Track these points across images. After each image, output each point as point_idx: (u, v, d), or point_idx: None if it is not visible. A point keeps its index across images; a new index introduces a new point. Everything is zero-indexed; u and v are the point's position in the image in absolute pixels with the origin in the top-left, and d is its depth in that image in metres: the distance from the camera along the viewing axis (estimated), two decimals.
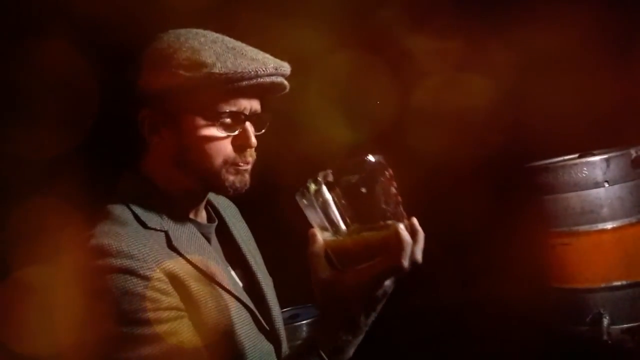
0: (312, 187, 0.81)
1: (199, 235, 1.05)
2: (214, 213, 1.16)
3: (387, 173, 0.82)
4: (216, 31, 1.04)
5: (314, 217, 0.83)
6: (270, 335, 1.08)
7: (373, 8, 2.46)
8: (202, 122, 0.98)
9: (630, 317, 2.05)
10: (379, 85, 2.62)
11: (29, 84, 1.67)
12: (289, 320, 2.25)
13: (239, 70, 0.95)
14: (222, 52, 0.96)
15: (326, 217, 0.81)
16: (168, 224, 0.99)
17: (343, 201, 0.80)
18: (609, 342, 2.01)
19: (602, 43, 2.28)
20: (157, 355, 0.87)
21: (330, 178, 0.80)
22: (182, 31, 1.01)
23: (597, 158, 2.05)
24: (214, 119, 0.98)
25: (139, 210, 0.98)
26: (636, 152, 2.03)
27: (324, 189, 0.80)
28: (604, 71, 2.29)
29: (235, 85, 0.95)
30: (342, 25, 2.31)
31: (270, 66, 0.98)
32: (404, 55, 2.59)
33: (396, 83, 2.60)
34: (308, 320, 2.35)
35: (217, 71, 0.94)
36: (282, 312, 1.21)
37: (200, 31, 1.01)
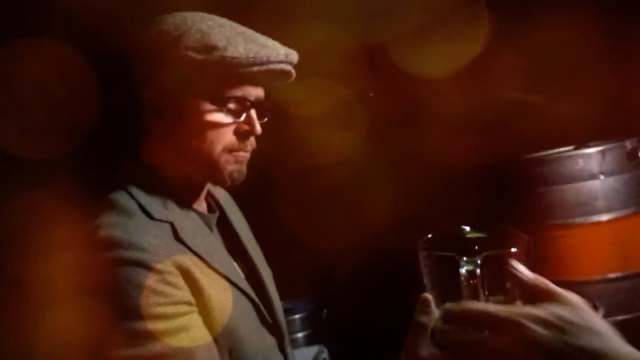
0: (467, 267, 0.71)
1: (203, 226, 1.03)
2: (214, 204, 1.14)
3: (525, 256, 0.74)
4: None
5: (443, 291, 0.74)
6: (273, 328, 1.06)
7: (376, 9, 2.45)
8: (208, 106, 0.96)
9: (625, 309, 2.05)
10: (376, 87, 2.61)
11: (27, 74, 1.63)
12: None
13: (251, 55, 0.93)
14: (232, 36, 0.95)
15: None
16: (173, 215, 0.97)
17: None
18: None
19: (599, 37, 2.27)
20: (169, 351, 0.85)
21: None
22: (188, 14, 0.99)
23: (592, 150, 2.04)
24: (221, 103, 0.97)
25: (143, 200, 0.96)
26: (631, 145, 2.03)
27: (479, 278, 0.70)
28: (601, 65, 2.28)
29: (246, 70, 0.93)
30: (341, 25, 2.30)
31: (281, 53, 0.97)
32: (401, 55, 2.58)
33: (392, 83, 2.59)
34: (301, 315, 2.34)
35: (230, 55, 0.92)
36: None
37: (206, 15, 0.99)
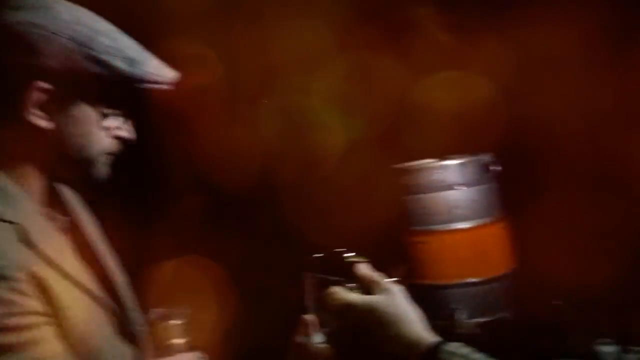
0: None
1: (54, 230, 1.00)
2: (64, 207, 1.12)
3: None
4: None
5: (327, 315, 0.75)
6: (131, 336, 1.07)
7: (371, 7, 2.47)
8: (104, 110, 0.98)
9: (482, 312, 2.20)
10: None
11: None
12: (158, 320, 2.21)
13: (161, 74, 0.97)
14: (133, 46, 0.97)
15: None
16: (21, 216, 0.92)
17: None
18: (465, 335, 2.14)
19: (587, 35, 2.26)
20: None
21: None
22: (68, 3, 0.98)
23: (451, 162, 2.20)
24: (113, 109, 0.99)
25: None
26: (486, 159, 2.20)
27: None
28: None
29: (151, 86, 0.97)
30: (340, 25, 2.30)
31: (172, 75, 1.02)
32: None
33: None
34: (179, 321, 2.32)
35: (152, 71, 0.95)
36: (154, 311, 1.20)
37: (80, 7, 0.99)
